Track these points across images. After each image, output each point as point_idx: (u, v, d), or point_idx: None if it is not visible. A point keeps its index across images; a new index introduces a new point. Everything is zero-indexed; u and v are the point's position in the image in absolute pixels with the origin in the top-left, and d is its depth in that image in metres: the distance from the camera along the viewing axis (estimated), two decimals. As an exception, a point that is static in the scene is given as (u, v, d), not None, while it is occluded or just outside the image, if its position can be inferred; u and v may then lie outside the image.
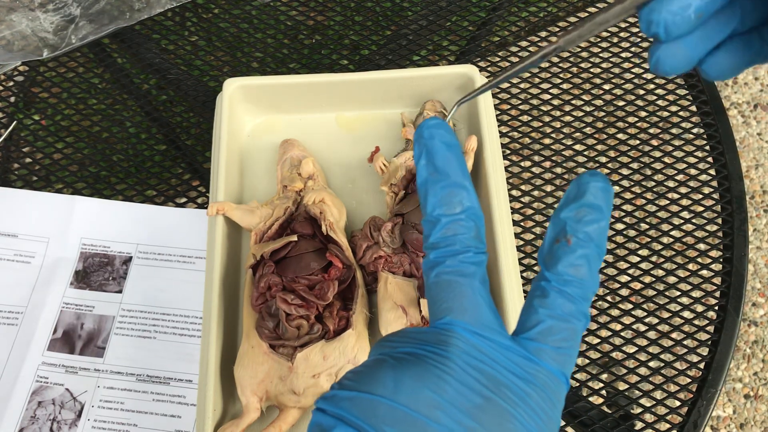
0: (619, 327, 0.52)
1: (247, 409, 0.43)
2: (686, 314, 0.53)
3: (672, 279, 0.54)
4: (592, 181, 0.26)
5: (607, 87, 0.63)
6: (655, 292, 0.54)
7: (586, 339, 0.52)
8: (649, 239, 0.56)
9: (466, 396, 0.23)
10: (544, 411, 0.24)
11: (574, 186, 0.26)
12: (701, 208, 0.57)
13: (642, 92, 0.63)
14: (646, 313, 0.53)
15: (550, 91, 0.62)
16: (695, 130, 0.61)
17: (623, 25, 0.66)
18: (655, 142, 0.60)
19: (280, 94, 0.55)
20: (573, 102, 0.62)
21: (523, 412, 0.23)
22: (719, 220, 0.56)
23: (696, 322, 0.52)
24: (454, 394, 0.23)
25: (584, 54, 0.65)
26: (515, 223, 0.55)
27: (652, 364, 0.51)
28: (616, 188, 0.58)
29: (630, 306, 0.53)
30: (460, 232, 0.26)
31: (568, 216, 0.26)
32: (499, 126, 0.60)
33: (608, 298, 0.53)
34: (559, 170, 0.58)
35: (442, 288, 0.26)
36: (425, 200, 0.27)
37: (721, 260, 0.55)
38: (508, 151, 0.59)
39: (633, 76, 0.64)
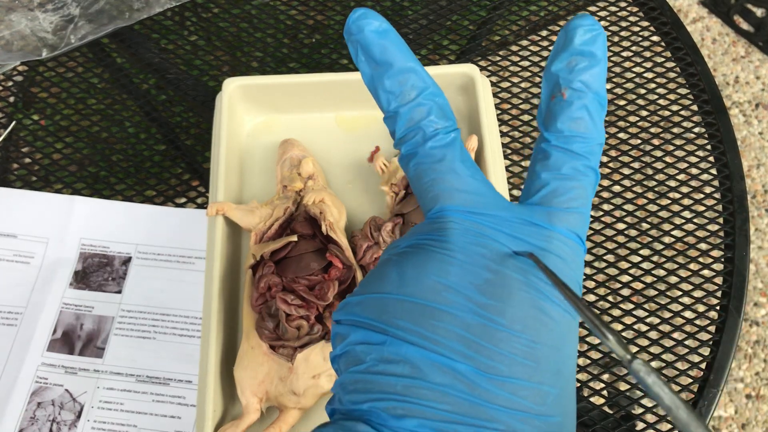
0: (620, 327, 0.52)
1: (247, 410, 0.43)
2: (687, 314, 0.52)
3: (673, 279, 0.54)
4: (580, 24, 0.24)
5: (607, 86, 0.63)
6: (656, 292, 0.53)
7: (587, 339, 0.52)
8: (650, 239, 0.56)
9: (472, 273, 0.22)
10: (559, 274, 0.22)
11: (562, 34, 0.24)
12: (702, 208, 0.57)
13: (643, 92, 0.62)
14: (647, 313, 0.53)
15: (551, 90, 0.62)
16: (696, 130, 0.61)
17: (624, 24, 0.66)
18: (656, 142, 0.60)
19: (279, 93, 0.55)
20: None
21: (536, 278, 0.22)
22: (720, 220, 0.56)
23: (697, 322, 0.52)
24: (460, 274, 0.22)
25: (585, 53, 0.64)
26: (516, 222, 0.55)
27: (653, 364, 0.51)
28: (617, 188, 0.58)
29: (631, 306, 0.53)
30: (423, 116, 0.24)
31: (559, 68, 0.24)
32: (499, 126, 0.59)
33: (609, 298, 0.53)
34: (559, 170, 0.58)
35: (423, 179, 0.24)
36: (378, 97, 0.25)
37: (723, 260, 0.54)
38: (508, 151, 0.59)
39: (634, 75, 0.63)
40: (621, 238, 0.55)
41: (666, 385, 0.18)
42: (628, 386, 0.51)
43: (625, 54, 0.64)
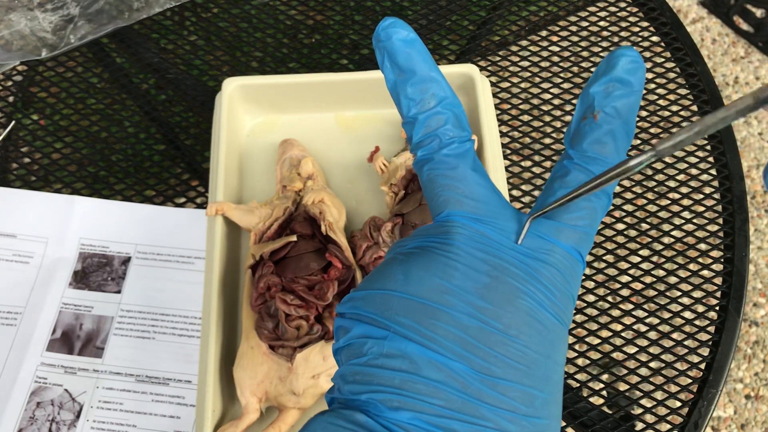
0: (619, 327, 0.52)
1: (247, 410, 0.43)
2: (687, 314, 0.52)
3: (673, 279, 0.54)
4: (624, 53, 0.25)
5: (607, 86, 0.63)
6: (655, 293, 0.53)
7: (587, 339, 0.52)
8: (650, 239, 0.56)
9: (473, 278, 0.23)
10: (555, 287, 0.23)
11: (605, 61, 0.26)
12: (702, 208, 0.57)
13: (642, 92, 0.62)
14: (646, 314, 0.53)
15: (551, 90, 0.62)
16: (696, 130, 0.61)
17: (624, 24, 0.66)
18: (655, 142, 0.60)
19: (279, 93, 0.55)
20: (573, 102, 0.62)
21: (533, 287, 0.23)
22: (720, 221, 0.56)
23: (697, 322, 0.52)
24: (462, 278, 0.23)
25: (584, 54, 0.65)
26: (515, 223, 0.55)
27: (652, 364, 0.51)
28: (617, 188, 0.58)
29: (631, 306, 0.53)
30: (440, 125, 0.25)
31: (596, 91, 0.25)
32: (499, 126, 0.59)
33: (609, 298, 0.53)
34: (559, 170, 0.58)
35: (435, 184, 0.25)
36: (399, 103, 0.26)
37: (722, 260, 0.54)
38: (508, 151, 0.59)
39: (633, 75, 0.63)
40: (620, 238, 0.55)
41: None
42: (627, 386, 0.51)
43: (624, 54, 0.64)
